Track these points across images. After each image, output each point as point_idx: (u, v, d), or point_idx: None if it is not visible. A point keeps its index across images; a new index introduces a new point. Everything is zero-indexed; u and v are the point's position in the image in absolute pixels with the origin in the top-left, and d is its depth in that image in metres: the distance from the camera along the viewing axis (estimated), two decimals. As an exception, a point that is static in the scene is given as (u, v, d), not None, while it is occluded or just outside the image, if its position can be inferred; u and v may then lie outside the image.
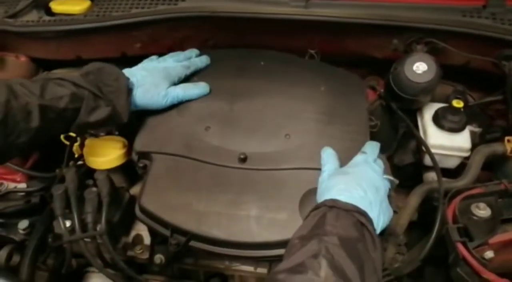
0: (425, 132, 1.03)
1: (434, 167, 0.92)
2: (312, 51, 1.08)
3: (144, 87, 0.87)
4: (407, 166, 1.16)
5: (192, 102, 0.92)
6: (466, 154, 1.01)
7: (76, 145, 1.07)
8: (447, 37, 1.00)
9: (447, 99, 1.07)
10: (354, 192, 0.68)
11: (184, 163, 0.84)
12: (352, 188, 0.69)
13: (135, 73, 0.88)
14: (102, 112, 0.81)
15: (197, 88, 0.93)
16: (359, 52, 1.11)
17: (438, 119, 1.02)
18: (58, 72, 1.13)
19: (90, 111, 0.80)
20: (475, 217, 0.76)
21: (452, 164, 1.04)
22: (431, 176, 1.06)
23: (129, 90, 0.85)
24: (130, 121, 0.89)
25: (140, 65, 0.93)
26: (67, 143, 1.08)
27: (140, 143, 0.88)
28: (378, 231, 0.69)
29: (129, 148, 0.93)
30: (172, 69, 0.93)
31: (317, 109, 0.91)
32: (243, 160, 0.83)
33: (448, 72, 1.02)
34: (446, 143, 1.00)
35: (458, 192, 0.80)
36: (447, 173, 1.05)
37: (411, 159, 1.14)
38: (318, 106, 0.91)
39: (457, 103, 0.99)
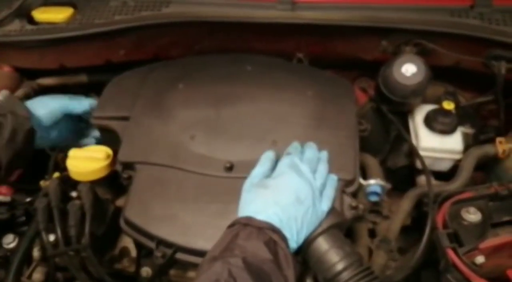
0: (416, 135, 1.02)
1: (423, 169, 0.90)
2: (300, 55, 1.06)
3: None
4: (400, 169, 1.15)
5: (177, 110, 0.90)
6: (458, 156, 0.99)
7: (60, 155, 1.06)
8: (436, 38, 0.98)
9: (438, 101, 1.06)
10: (270, 211, 0.67)
11: (169, 172, 0.82)
12: (268, 206, 0.67)
13: None
14: (7, 127, 0.83)
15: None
16: (348, 55, 1.10)
17: (429, 122, 1.00)
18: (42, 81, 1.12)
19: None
20: (465, 222, 0.74)
21: (444, 166, 1.02)
22: (424, 179, 1.04)
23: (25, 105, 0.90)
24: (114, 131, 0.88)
25: None
26: (51, 153, 1.07)
27: (124, 153, 0.86)
28: (299, 243, 0.68)
29: (113, 159, 0.91)
30: None
31: (304, 114, 0.89)
32: (230, 168, 0.81)
33: (438, 72, 1.01)
34: (438, 146, 0.99)
35: (449, 196, 0.78)
36: (440, 175, 1.04)
37: (404, 162, 1.13)
38: (306, 111, 0.89)
39: (448, 105, 0.97)
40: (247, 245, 0.61)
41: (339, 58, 1.11)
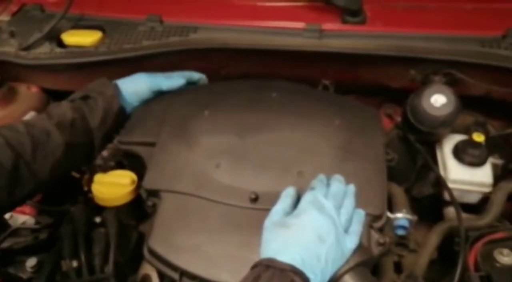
0: (444, 166, 1.00)
1: (454, 206, 0.87)
2: (326, 82, 1.05)
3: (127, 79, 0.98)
4: (426, 198, 1.12)
5: (202, 136, 0.90)
6: (487, 189, 0.97)
7: (85, 177, 1.07)
8: (466, 68, 0.96)
9: (467, 130, 1.04)
10: (291, 251, 0.65)
11: (193, 202, 0.82)
12: (290, 246, 0.66)
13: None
14: (99, 109, 0.89)
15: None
16: (375, 82, 1.08)
17: (458, 153, 0.98)
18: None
19: (92, 114, 0.88)
20: (498, 264, 0.72)
21: (473, 199, 1.00)
22: (452, 211, 1.01)
23: (114, 84, 0.94)
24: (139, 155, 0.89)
25: None
26: (77, 175, 1.08)
27: (149, 180, 0.86)
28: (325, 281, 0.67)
29: (138, 184, 0.91)
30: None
31: (331, 144, 0.87)
32: (254, 199, 0.80)
33: (468, 100, 0.99)
34: (467, 178, 0.96)
35: (481, 235, 0.75)
36: (467, 207, 1.01)
37: (430, 191, 1.10)
38: (333, 142, 0.88)
39: (478, 137, 0.95)
40: None
41: (365, 85, 1.10)
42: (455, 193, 0.96)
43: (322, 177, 0.79)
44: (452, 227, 0.92)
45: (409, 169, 1.12)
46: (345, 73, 1.06)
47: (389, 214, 0.86)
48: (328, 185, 0.78)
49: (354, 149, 0.88)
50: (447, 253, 0.92)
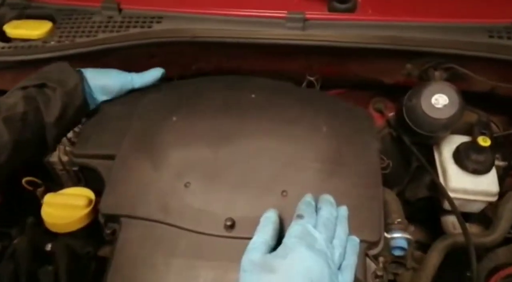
0: (444, 172, 0.89)
1: (461, 227, 0.77)
2: (312, 78, 0.93)
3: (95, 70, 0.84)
4: (420, 200, 1.03)
5: (168, 149, 0.77)
6: (493, 199, 0.87)
7: (39, 190, 0.93)
8: (471, 63, 0.85)
9: (468, 129, 0.93)
10: None
11: (159, 229, 0.69)
12: None
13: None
14: (56, 102, 0.76)
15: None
16: (365, 77, 0.96)
17: (460, 159, 0.87)
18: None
19: (48, 107, 0.76)
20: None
21: (476, 208, 0.90)
22: (451, 221, 0.92)
23: (77, 73, 0.80)
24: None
25: None
26: (30, 188, 0.94)
27: (107, 204, 0.73)
28: None
29: (96, 203, 0.78)
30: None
31: (319, 156, 0.75)
32: (230, 226, 0.68)
33: (467, 94, 0.88)
34: (470, 187, 0.86)
35: (496, 268, 0.65)
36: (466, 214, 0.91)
37: (425, 193, 1.01)
38: (321, 153, 0.76)
39: (484, 141, 0.84)
40: None
41: (354, 80, 0.98)
42: (456, 202, 0.86)
43: (309, 199, 0.67)
44: (455, 242, 0.83)
45: (402, 171, 1.02)
46: (332, 67, 0.94)
47: (385, 234, 0.76)
48: (317, 209, 0.66)
49: (345, 161, 0.76)
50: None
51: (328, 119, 0.81)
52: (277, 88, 0.88)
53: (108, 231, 0.71)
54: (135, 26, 0.89)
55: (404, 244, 0.77)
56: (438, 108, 0.81)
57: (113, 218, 0.72)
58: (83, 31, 0.90)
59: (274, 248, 0.60)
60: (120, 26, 0.89)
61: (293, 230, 0.60)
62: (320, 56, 0.91)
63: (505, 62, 0.82)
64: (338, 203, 0.67)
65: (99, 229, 0.82)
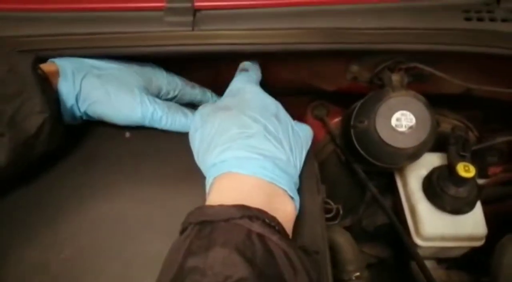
0: (412, 211, 0.65)
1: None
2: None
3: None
4: (379, 228, 0.81)
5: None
6: (479, 243, 0.63)
7: None
8: (440, 60, 0.58)
9: (440, 144, 0.68)
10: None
11: None
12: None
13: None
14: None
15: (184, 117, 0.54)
16: (297, 84, 0.68)
17: (433, 193, 0.63)
18: None
19: None
20: None
21: (456, 254, 0.67)
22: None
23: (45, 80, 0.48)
24: None
25: None
26: None
27: None
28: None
29: None
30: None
31: None
32: None
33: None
34: (449, 231, 0.62)
35: None
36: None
37: (385, 220, 0.79)
38: None
39: (466, 171, 0.59)
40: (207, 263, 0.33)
41: (284, 87, 0.69)
42: (430, 250, 0.62)
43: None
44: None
45: (356, 197, 0.78)
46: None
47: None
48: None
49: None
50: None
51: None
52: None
53: None
54: None
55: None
56: (401, 133, 0.55)
57: None
58: None
59: None
60: None
61: (238, 78, 0.55)
62: (229, 62, 0.61)
63: (488, 56, 0.56)
64: None
65: None
